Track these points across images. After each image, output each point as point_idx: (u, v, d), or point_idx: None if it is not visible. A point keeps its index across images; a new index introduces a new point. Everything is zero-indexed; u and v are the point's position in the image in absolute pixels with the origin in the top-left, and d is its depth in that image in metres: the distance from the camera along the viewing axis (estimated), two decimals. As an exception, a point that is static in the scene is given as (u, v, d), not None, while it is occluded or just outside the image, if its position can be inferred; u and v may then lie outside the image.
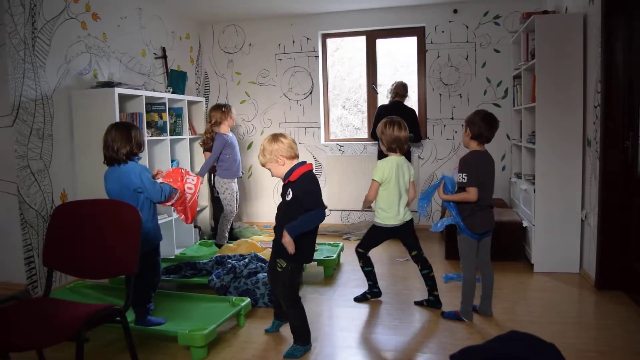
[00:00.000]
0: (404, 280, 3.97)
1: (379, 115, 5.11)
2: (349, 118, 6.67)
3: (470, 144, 3.05)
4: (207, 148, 4.89)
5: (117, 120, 3.79)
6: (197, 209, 5.30)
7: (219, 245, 4.73)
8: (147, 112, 4.47)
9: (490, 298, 3.17)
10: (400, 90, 5.15)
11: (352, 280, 4.00)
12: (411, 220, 3.39)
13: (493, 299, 3.20)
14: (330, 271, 4.11)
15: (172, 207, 3.26)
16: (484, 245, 3.11)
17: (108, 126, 2.96)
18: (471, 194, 2.91)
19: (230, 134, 4.84)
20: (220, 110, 4.76)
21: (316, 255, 4.23)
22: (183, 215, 3.17)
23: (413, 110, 5.22)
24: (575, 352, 2.60)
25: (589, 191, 3.82)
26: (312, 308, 3.42)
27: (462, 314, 3.10)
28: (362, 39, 5.97)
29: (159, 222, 3.12)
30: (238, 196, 4.94)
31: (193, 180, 3.19)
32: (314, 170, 2.80)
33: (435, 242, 5.12)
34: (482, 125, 2.97)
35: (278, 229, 2.72)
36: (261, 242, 4.49)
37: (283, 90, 6.10)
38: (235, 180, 4.88)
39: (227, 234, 4.87)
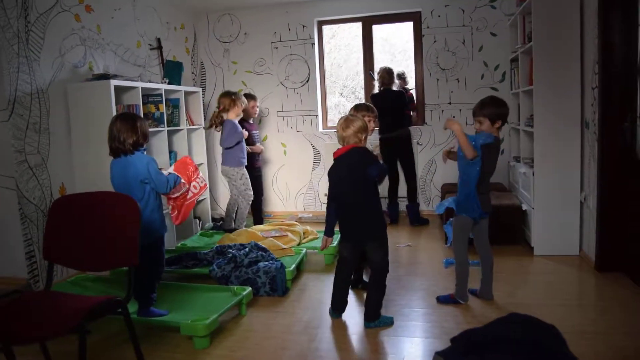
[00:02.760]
0: (405, 265, 3.99)
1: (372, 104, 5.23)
2: (347, 105, 6.64)
3: (494, 132, 3.00)
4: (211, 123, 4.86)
5: (114, 112, 3.77)
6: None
7: (231, 230, 4.68)
8: (143, 103, 4.44)
9: (490, 282, 3.18)
10: (385, 78, 5.16)
11: (353, 267, 4.01)
12: None
13: (493, 282, 3.21)
14: (330, 259, 4.12)
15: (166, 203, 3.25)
16: (482, 228, 3.12)
17: (112, 117, 2.96)
18: (473, 154, 2.90)
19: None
20: (230, 97, 4.74)
21: (315, 243, 4.29)
22: (175, 212, 3.15)
23: (401, 93, 5.22)
24: (575, 333, 2.62)
25: (588, 173, 3.82)
26: (313, 295, 3.44)
27: (457, 296, 3.12)
28: (358, 26, 5.93)
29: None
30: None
31: (201, 182, 3.19)
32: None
33: (436, 227, 5.14)
34: (504, 110, 2.97)
35: None
36: (262, 232, 4.49)
37: (280, 79, 6.07)
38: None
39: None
